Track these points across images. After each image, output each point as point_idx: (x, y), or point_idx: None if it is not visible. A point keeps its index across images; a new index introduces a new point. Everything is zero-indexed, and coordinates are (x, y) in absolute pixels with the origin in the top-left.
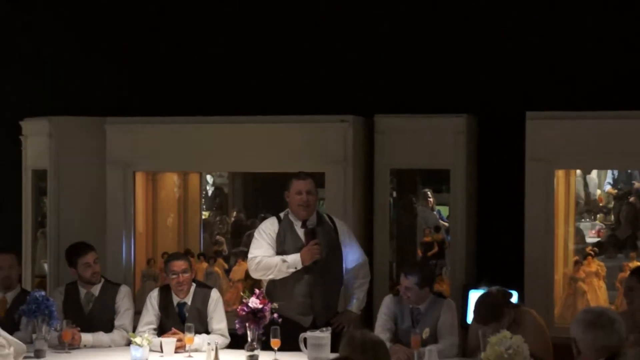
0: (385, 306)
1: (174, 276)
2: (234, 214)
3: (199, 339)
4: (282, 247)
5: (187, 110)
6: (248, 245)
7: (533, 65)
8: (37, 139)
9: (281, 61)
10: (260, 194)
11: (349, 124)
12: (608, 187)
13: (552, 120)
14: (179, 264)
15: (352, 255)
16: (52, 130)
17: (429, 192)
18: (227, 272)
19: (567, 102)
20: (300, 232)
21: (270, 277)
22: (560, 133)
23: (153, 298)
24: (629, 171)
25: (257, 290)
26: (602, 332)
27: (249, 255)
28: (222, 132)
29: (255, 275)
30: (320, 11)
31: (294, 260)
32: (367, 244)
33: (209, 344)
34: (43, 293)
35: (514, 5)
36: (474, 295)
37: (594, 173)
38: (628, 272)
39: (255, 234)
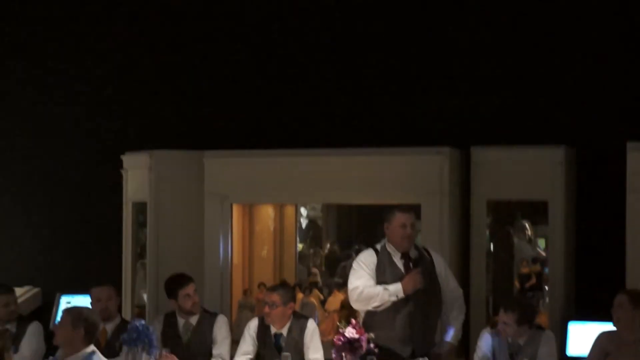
0: (483, 340)
1: (265, 307)
2: (328, 246)
3: None
4: (381, 278)
5: (284, 142)
6: (343, 276)
7: (634, 94)
8: (137, 172)
9: (377, 92)
10: (354, 227)
11: (445, 156)
12: None
13: None
14: (270, 296)
15: (448, 288)
16: (152, 164)
17: (526, 224)
18: (323, 302)
19: None
20: (400, 263)
21: (373, 306)
22: None
23: (251, 328)
24: None
25: (353, 320)
26: None
27: (350, 286)
28: (318, 165)
29: (356, 305)
30: (417, 44)
31: (396, 289)
32: (464, 276)
33: None
34: (143, 322)
35: (612, 35)
36: (574, 328)
37: None
38: None
39: (354, 265)
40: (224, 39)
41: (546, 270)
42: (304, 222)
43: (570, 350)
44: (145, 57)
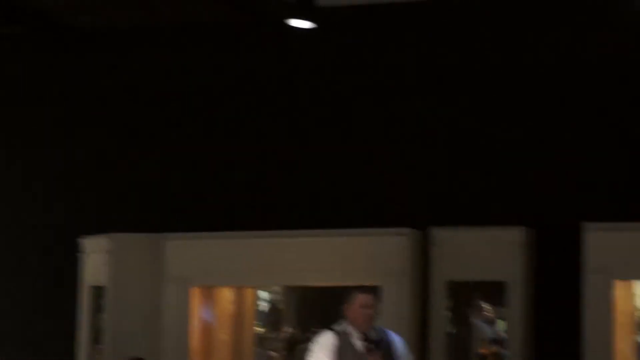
0: None
1: None
2: (288, 330)
3: None
4: None
5: (244, 225)
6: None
7: (589, 176)
8: (95, 256)
9: (337, 175)
10: (315, 310)
11: (405, 237)
12: None
13: (610, 231)
14: None
15: None
16: (110, 247)
17: (484, 305)
18: None
19: (624, 212)
20: (360, 344)
21: None
22: (619, 244)
23: None
24: None
25: None
26: None
27: None
28: (278, 247)
29: None
30: (375, 126)
31: None
32: (423, 358)
33: None
34: None
35: (569, 117)
36: None
37: None
38: None
39: (314, 348)
40: (181, 120)
41: (505, 353)
42: (264, 306)
43: None
44: (104, 140)
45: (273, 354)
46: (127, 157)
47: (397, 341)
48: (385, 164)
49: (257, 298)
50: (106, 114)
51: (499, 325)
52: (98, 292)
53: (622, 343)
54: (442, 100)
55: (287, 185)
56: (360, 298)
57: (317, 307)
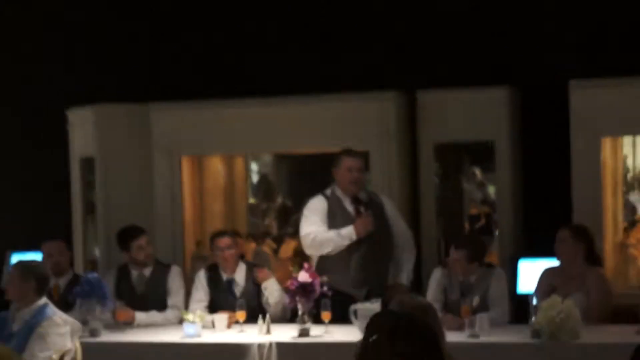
0: (435, 278)
1: (219, 253)
2: (280, 199)
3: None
4: (332, 223)
5: (232, 91)
6: (295, 227)
7: (576, 32)
8: (83, 128)
9: (324, 38)
10: (306, 179)
11: (391, 100)
12: None
13: (596, 88)
14: (223, 241)
15: (398, 230)
16: (97, 119)
17: (476, 170)
18: (275, 252)
19: (611, 68)
20: (350, 207)
21: (327, 251)
22: (605, 100)
23: (202, 276)
24: None
25: (306, 265)
26: None
27: (302, 233)
28: (266, 113)
29: (310, 251)
30: None
31: (349, 232)
32: (414, 220)
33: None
34: (96, 275)
35: None
36: (524, 265)
37: None
38: None
39: (305, 212)
40: None
41: (495, 215)
42: (255, 177)
43: (521, 287)
44: (87, 11)
45: (267, 221)
46: (109, 27)
47: (387, 203)
48: (372, 28)
49: (248, 169)
50: None
51: (489, 188)
52: (88, 163)
53: (612, 200)
54: None
55: (273, 50)
56: (346, 161)
57: (307, 176)
